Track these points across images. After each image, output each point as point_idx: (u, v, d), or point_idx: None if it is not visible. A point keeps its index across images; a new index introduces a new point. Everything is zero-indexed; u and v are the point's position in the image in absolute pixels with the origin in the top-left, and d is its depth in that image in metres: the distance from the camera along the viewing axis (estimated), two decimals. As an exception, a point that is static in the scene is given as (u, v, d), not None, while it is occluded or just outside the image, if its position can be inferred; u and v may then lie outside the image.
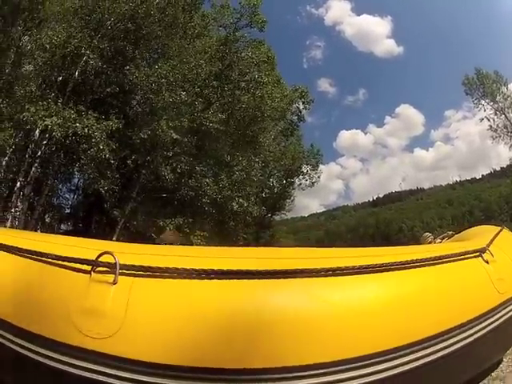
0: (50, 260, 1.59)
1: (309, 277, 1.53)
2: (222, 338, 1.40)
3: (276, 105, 24.93)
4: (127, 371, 1.37)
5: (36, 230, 21.65)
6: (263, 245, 37.38)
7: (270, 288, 1.51)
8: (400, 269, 1.70)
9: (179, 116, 19.16)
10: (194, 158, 20.69)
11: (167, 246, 2.43)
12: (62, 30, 18.60)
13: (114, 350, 1.36)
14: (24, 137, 20.17)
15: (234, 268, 1.51)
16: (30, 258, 1.64)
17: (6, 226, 18.50)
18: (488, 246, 2.20)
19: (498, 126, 40.24)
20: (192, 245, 19.75)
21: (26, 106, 16.18)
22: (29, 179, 18.69)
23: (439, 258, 1.86)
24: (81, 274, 1.51)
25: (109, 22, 19.37)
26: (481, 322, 1.77)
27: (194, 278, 1.51)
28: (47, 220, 25.22)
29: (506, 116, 40.50)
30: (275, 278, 1.51)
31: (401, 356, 1.48)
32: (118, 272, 1.46)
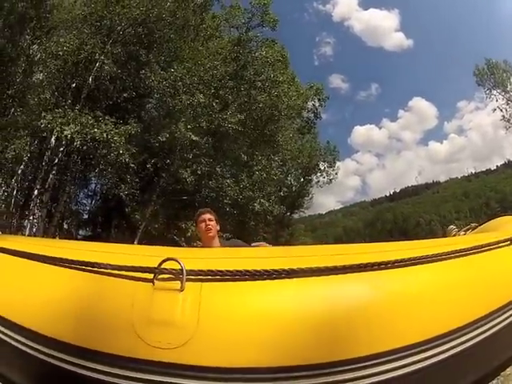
0: (105, 270, 1.53)
1: (373, 270, 1.55)
2: (299, 335, 1.39)
3: (292, 103, 24.96)
4: (205, 379, 1.34)
5: (55, 237, 21.83)
6: (284, 244, 37.60)
7: (341, 283, 1.52)
8: (447, 258, 1.75)
9: (197, 118, 19.19)
10: (213, 159, 20.74)
11: (231, 248, 2.40)
12: (74, 36, 18.66)
13: (189, 359, 1.32)
14: (39, 144, 20.32)
15: (303, 266, 1.49)
16: (83, 270, 1.58)
17: (24, 234, 18.65)
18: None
19: (510, 115, 40.05)
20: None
21: (43, 114, 16.19)
22: (47, 186, 18.77)
23: (478, 247, 1.92)
24: (142, 283, 1.45)
25: (119, 28, 19.44)
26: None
27: (264, 279, 1.48)
28: (65, 226, 25.29)
29: (517, 105, 40.32)
30: (345, 273, 1.52)
31: (452, 339, 1.53)
32: (185, 278, 1.41)
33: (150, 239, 20.71)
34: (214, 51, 22.32)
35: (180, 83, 18.80)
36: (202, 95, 19.05)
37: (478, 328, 1.60)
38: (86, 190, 26.27)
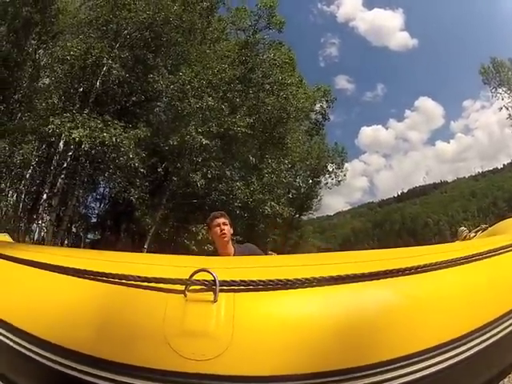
0: (133, 282, 1.52)
1: (397, 276, 1.58)
2: (330, 341, 1.40)
3: (301, 105, 24.99)
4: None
5: (64, 241, 21.91)
6: (292, 245, 37.65)
7: (368, 289, 1.54)
8: (464, 263, 1.78)
9: (207, 121, 19.20)
10: (222, 162, 20.77)
11: (262, 257, 2.39)
12: (81, 41, 18.75)
13: (225, 370, 1.32)
14: (47, 149, 20.39)
15: (332, 274, 1.50)
16: (110, 282, 1.56)
17: (32, 238, 18.73)
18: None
19: (516, 114, 40.15)
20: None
21: (51, 119, 16.19)
22: (55, 191, 18.82)
23: (493, 250, 1.95)
24: (173, 294, 1.44)
25: (126, 32, 19.47)
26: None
27: (296, 288, 1.48)
28: (73, 230, 25.35)
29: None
30: (371, 280, 1.54)
31: (469, 341, 1.56)
32: (218, 289, 1.41)
33: (159, 243, 20.74)
34: (221, 54, 22.36)
35: (189, 87, 18.82)
36: (210, 98, 19.07)
37: (492, 329, 1.64)
38: (94, 194, 26.38)
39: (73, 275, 1.63)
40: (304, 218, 41.90)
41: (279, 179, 23.63)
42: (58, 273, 1.67)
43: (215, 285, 1.41)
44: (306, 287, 1.49)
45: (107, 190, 25.90)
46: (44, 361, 1.49)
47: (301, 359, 1.37)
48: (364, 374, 1.37)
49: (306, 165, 36.00)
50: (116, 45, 19.19)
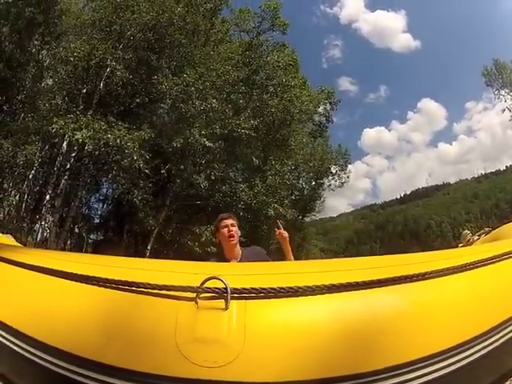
0: (143, 290, 1.51)
1: (404, 282, 1.60)
2: (341, 347, 1.41)
3: (304, 107, 24.97)
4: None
5: (67, 241, 21.93)
6: (296, 247, 37.61)
7: (376, 296, 1.55)
8: (471, 269, 1.80)
9: (210, 123, 19.19)
10: (225, 164, 20.77)
11: (272, 263, 2.40)
12: (84, 42, 18.72)
13: (237, 377, 1.33)
14: (50, 149, 20.41)
15: (343, 281, 1.52)
16: (120, 289, 1.56)
17: (35, 238, 18.74)
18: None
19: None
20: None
21: (54, 120, 16.20)
22: (58, 191, 18.81)
23: (499, 256, 1.98)
24: (184, 302, 1.44)
25: (129, 33, 19.47)
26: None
27: (307, 295, 1.48)
28: (76, 231, 25.36)
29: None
30: (380, 287, 1.56)
31: (475, 345, 1.59)
32: (229, 297, 1.42)
33: (162, 244, 20.75)
34: (225, 56, 22.32)
35: (193, 88, 18.78)
36: (215, 100, 19.08)
37: (495, 334, 1.66)
38: (97, 195, 26.40)
39: (82, 282, 1.63)
40: (307, 219, 41.80)
41: (283, 181, 23.64)
42: (67, 279, 1.67)
43: (226, 292, 1.42)
44: (316, 294, 1.49)
45: (110, 190, 25.94)
46: (51, 366, 1.49)
47: (311, 365, 1.38)
48: (371, 379, 1.38)
49: (310, 166, 36.09)
50: (119, 46, 19.20)
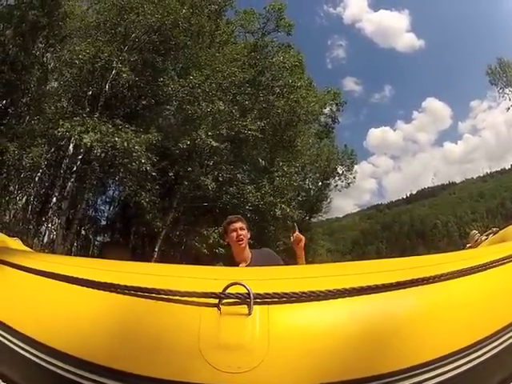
0: (164, 296, 1.53)
1: (421, 284, 1.60)
2: (362, 349, 1.42)
3: (311, 108, 24.96)
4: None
5: (73, 243, 21.97)
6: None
7: (394, 298, 1.56)
8: (484, 270, 1.81)
9: (217, 125, 19.22)
10: (233, 165, 20.84)
11: (294, 267, 2.39)
12: (89, 44, 18.68)
13: (261, 381, 1.33)
14: (56, 152, 20.44)
15: (363, 284, 1.51)
16: (139, 296, 1.55)
17: (41, 240, 18.78)
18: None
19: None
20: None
21: (61, 122, 16.23)
22: (65, 194, 18.83)
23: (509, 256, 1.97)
24: (207, 308, 1.43)
25: (134, 35, 19.47)
26: None
27: (328, 299, 1.47)
28: (82, 233, 25.40)
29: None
30: (397, 289, 1.56)
31: (486, 345, 1.60)
32: (252, 302, 1.42)
33: (170, 246, 20.77)
34: (230, 57, 22.34)
35: (199, 90, 18.78)
36: (221, 102, 19.12)
37: (505, 334, 1.67)
38: (103, 197, 26.41)
39: (100, 289, 1.59)
40: (313, 220, 41.66)
41: (290, 182, 23.65)
42: (83, 286, 1.63)
43: (249, 298, 1.41)
44: (337, 298, 1.49)
45: (117, 192, 25.96)
46: (67, 374, 1.48)
47: (334, 368, 1.38)
48: (392, 379, 1.39)
49: (316, 167, 36.13)
50: (124, 48, 19.19)
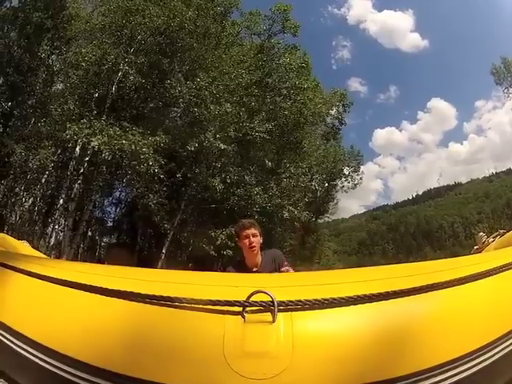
0: (187, 305, 1.55)
1: (439, 289, 1.64)
2: (387, 352, 1.46)
3: (318, 110, 24.91)
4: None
5: (80, 245, 22.01)
6: (310, 249, 37.67)
7: (412, 303, 1.59)
8: (495, 273, 1.84)
9: (225, 127, 19.24)
10: (240, 167, 20.88)
11: (317, 273, 2.38)
12: (95, 46, 18.71)
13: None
14: (63, 154, 20.46)
15: (382, 290, 1.55)
16: (161, 305, 1.53)
17: (47, 242, 18.80)
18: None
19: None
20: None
21: (68, 125, 16.23)
22: (72, 196, 18.83)
23: None
24: (231, 316, 1.44)
25: (139, 37, 19.47)
26: None
27: (349, 305, 1.50)
28: (89, 234, 25.45)
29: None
30: (416, 294, 1.59)
31: (498, 345, 1.64)
32: (276, 309, 1.43)
33: (177, 247, 20.77)
34: (237, 59, 22.42)
35: (206, 92, 18.78)
36: (228, 104, 19.12)
37: None
38: (110, 198, 26.44)
39: (121, 298, 1.59)
40: (320, 221, 41.77)
41: (297, 184, 23.62)
42: (103, 295, 1.63)
43: (273, 305, 1.42)
44: (358, 304, 1.52)
45: (123, 194, 26.01)
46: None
47: (357, 373, 1.41)
48: (411, 380, 1.42)
49: (322, 168, 36.07)
50: (131, 50, 19.18)
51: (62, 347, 1.56)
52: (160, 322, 1.53)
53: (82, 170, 18.92)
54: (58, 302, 1.73)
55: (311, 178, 34.00)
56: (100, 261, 24.25)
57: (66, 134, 16.10)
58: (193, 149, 18.12)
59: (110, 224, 27.42)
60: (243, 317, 1.44)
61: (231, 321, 1.45)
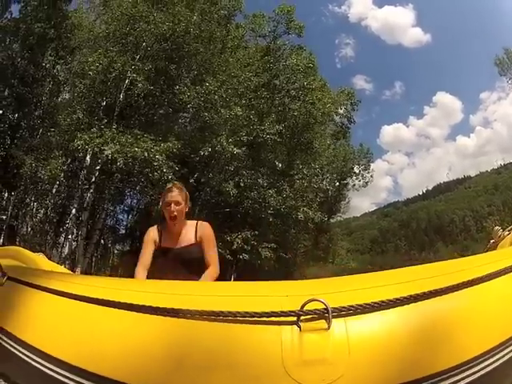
0: (241, 319, 1.51)
1: (468, 286, 1.68)
2: (431, 350, 1.49)
3: (327, 109, 24.84)
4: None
5: (93, 254, 22.01)
6: (323, 249, 37.61)
7: (449, 301, 1.63)
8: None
9: (236, 131, 19.28)
10: (253, 170, 20.88)
11: (367, 275, 2.42)
12: (101, 55, 18.54)
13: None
14: (73, 163, 20.48)
15: (425, 290, 1.58)
16: (217, 321, 1.51)
17: (60, 252, 18.82)
18: None
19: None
20: (261, 257, 20.40)
21: (78, 134, 16.24)
22: (85, 205, 18.83)
23: None
24: (286, 326, 1.45)
25: (145, 44, 19.48)
26: None
27: (396, 307, 1.54)
28: (102, 242, 25.45)
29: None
30: (451, 292, 1.63)
31: None
32: (330, 316, 1.44)
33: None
34: (244, 62, 22.46)
35: (216, 97, 18.79)
36: (238, 108, 19.11)
37: None
38: (121, 206, 26.43)
39: (165, 315, 1.56)
40: (332, 220, 41.75)
41: (310, 184, 23.59)
42: (143, 313, 1.58)
43: (328, 313, 1.43)
44: (404, 305, 1.55)
45: (135, 201, 26.02)
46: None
47: (406, 370, 1.45)
48: (449, 374, 1.46)
49: (333, 168, 36.17)
50: (137, 57, 19.17)
51: (101, 369, 1.52)
52: (213, 338, 1.51)
53: (93, 179, 18.90)
54: (92, 321, 1.68)
55: (322, 177, 33.93)
56: (114, 269, 24.29)
57: (78, 145, 16.08)
58: (206, 154, 18.12)
59: (122, 231, 27.43)
60: (298, 326, 1.45)
61: (287, 331, 1.46)
